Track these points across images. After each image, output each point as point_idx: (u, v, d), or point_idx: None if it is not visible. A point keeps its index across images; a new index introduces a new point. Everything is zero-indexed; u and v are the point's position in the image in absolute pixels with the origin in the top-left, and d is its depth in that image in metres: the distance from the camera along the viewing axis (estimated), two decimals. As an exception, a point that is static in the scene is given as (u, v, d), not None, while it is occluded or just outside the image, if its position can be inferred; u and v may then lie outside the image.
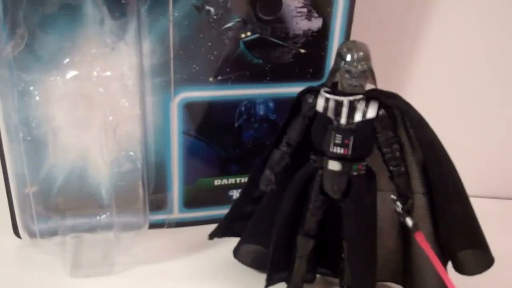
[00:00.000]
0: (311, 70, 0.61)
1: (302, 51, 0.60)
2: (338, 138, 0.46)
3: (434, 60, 0.74)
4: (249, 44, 0.58)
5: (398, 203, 0.47)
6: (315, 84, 0.49)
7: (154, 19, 0.54)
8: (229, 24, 0.57)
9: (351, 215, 0.48)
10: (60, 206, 0.57)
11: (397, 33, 0.73)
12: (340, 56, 0.45)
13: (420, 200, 0.49)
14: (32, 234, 0.57)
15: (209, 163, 0.64)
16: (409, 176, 0.48)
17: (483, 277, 0.49)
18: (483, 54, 0.74)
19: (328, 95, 0.46)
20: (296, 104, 0.49)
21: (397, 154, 0.47)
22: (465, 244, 0.48)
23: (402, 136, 0.48)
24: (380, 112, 0.46)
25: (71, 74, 0.52)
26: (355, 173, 0.47)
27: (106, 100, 0.53)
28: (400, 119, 0.47)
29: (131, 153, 0.56)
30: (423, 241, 0.45)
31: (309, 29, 0.59)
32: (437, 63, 0.74)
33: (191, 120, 0.60)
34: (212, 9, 0.55)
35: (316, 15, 0.59)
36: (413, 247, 0.51)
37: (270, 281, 0.53)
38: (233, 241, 0.56)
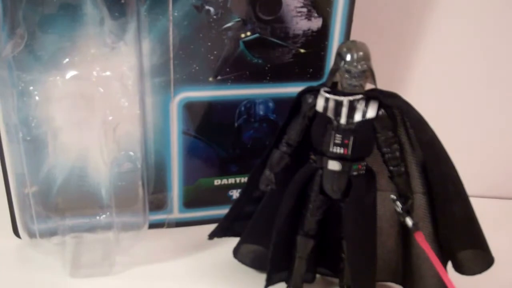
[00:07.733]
0: (311, 70, 0.61)
1: (302, 51, 0.60)
2: (338, 138, 0.46)
3: (434, 60, 0.74)
4: (249, 44, 0.58)
5: (398, 203, 0.48)
6: (315, 84, 0.49)
7: (153, 19, 0.54)
8: (229, 24, 0.57)
9: (351, 215, 0.48)
10: (60, 206, 0.57)
11: (397, 33, 0.73)
12: (340, 56, 0.45)
13: (420, 200, 0.49)
14: (31, 234, 0.57)
15: (209, 163, 0.64)
16: (409, 176, 0.48)
17: (483, 277, 0.49)
18: (483, 54, 0.73)
19: (328, 95, 0.46)
20: (296, 104, 0.49)
21: (397, 154, 0.47)
22: (465, 244, 0.48)
23: (402, 136, 0.48)
24: (380, 112, 0.46)
25: (71, 74, 0.52)
26: (355, 173, 0.47)
27: (106, 100, 0.53)
28: (400, 119, 0.47)
29: (131, 153, 0.56)
30: (423, 241, 0.45)
31: (309, 29, 0.59)
32: (437, 63, 0.74)
33: (190, 120, 0.60)
34: (212, 9, 0.55)
35: (316, 15, 0.59)
36: (413, 247, 0.51)
37: (270, 281, 0.53)
38: (233, 241, 0.56)
